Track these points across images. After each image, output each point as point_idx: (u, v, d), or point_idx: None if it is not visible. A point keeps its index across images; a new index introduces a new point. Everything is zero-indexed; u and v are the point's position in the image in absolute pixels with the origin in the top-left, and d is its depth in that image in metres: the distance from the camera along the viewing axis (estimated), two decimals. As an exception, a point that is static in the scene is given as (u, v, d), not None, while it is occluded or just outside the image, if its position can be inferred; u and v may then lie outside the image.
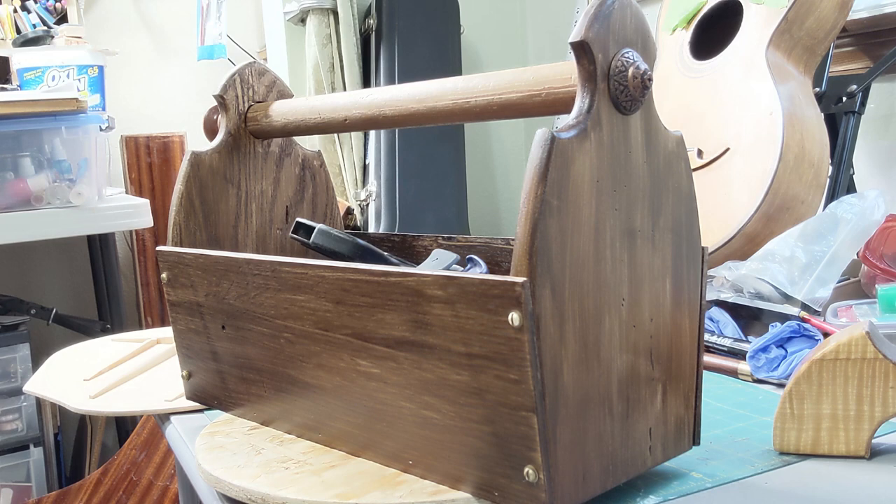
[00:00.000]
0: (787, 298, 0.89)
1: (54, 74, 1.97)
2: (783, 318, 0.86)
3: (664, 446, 0.58)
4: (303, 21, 1.91)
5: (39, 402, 1.91)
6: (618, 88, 0.52)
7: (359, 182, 1.85)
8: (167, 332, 1.06)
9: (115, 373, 0.94)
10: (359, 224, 1.82)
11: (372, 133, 1.84)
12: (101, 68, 2.05)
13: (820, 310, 0.89)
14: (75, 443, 2.23)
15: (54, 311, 1.97)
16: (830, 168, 1.11)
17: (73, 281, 2.40)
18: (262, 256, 0.65)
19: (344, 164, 1.86)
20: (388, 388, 0.57)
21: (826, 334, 0.79)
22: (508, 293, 0.48)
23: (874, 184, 1.32)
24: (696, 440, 0.61)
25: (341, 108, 0.70)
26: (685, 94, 1.16)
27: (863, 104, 1.19)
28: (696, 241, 0.59)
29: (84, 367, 0.97)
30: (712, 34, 1.19)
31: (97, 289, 2.17)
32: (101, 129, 1.72)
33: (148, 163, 2.30)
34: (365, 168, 1.86)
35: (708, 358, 0.82)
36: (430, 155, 1.84)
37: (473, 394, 0.52)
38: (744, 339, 0.85)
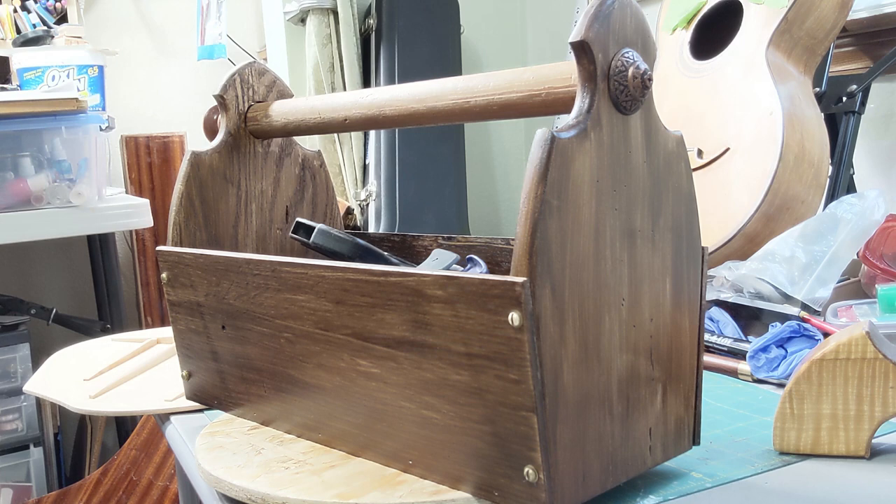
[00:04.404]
0: (787, 298, 0.89)
1: (54, 74, 1.97)
2: (783, 318, 0.86)
3: (664, 446, 0.58)
4: (303, 21, 1.91)
5: (39, 402, 1.91)
6: (618, 88, 0.52)
7: (359, 182, 1.85)
8: (167, 332, 1.06)
9: (115, 373, 0.94)
10: (359, 224, 1.82)
11: (372, 133, 1.85)
12: (101, 68, 2.05)
13: (820, 310, 0.89)
14: (75, 443, 2.23)
15: (54, 311, 1.97)
16: (830, 168, 1.11)
17: (73, 281, 2.40)
18: (262, 256, 0.65)
19: (344, 164, 1.86)
20: (388, 388, 0.57)
21: (826, 334, 0.79)
22: (508, 293, 0.48)
23: (874, 184, 1.32)
24: (696, 440, 0.61)
25: (341, 108, 0.70)
26: (685, 94, 1.16)
27: (863, 104, 1.19)
28: (696, 241, 0.59)
29: (84, 367, 0.97)
30: (712, 34, 1.19)
31: (97, 289, 2.17)
32: (101, 129, 1.72)
33: (148, 163, 2.30)
34: (365, 168, 1.86)
35: (708, 358, 0.82)
36: (430, 155, 1.84)
37: (473, 394, 0.52)
38: (744, 339, 0.85)
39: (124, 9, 2.45)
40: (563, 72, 0.54)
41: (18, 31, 2.12)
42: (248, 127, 0.79)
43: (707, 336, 0.86)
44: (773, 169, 1.00)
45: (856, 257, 0.96)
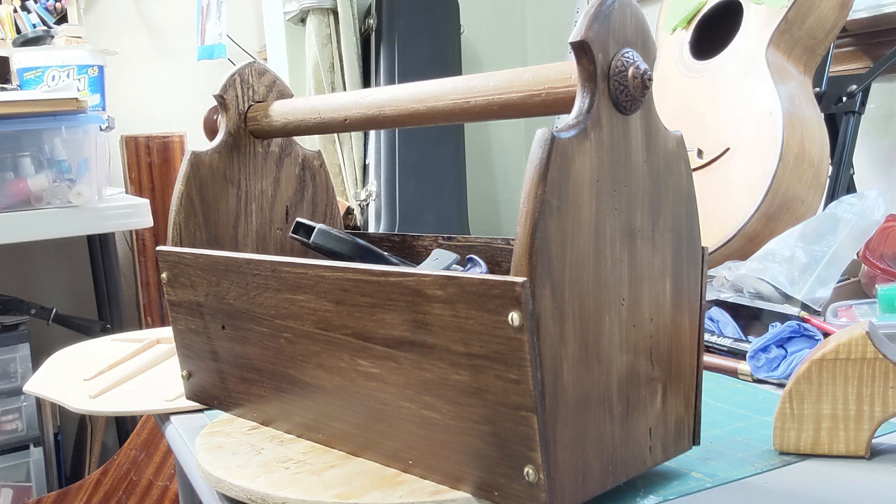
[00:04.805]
0: (787, 298, 0.89)
1: (54, 74, 1.97)
2: (783, 318, 0.86)
3: (664, 446, 0.58)
4: (303, 21, 1.91)
5: (39, 402, 1.91)
6: (618, 88, 0.52)
7: (359, 182, 1.85)
8: (167, 332, 1.06)
9: (115, 373, 0.94)
10: (359, 224, 1.82)
11: (372, 133, 1.85)
12: (101, 68, 2.05)
13: (820, 310, 0.89)
14: (75, 443, 2.23)
15: (54, 311, 1.97)
16: (830, 168, 1.11)
17: (73, 281, 2.40)
18: (262, 256, 0.65)
19: (344, 164, 1.86)
20: (388, 388, 0.57)
21: (826, 334, 0.79)
22: (508, 293, 0.48)
23: (874, 184, 1.32)
24: (696, 440, 0.61)
25: (341, 108, 0.70)
26: (685, 94, 1.16)
27: (863, 104, 1.19)
28: (696, 241, 0.59)
29: (84, 367, 0.97)
30: (712, 34, 1.19)
31: (97, 289, 2.17)
32: (101, 129, 1.72)
33: (148, 163, 2.30)
34: (365, 168, 1.86)
35: (708, 358, 0.82)
36: (430, 155, 1.84)
37: (473, 394, 0.52)
38: (744, 339, 0.85)
39: (124, 9, 2.45)
40: (563, 72, 0.54)
41: (18, 31, 2.12)
42: (248, 127, 0.79)
43: (707, 336, 0.86)
44: (773, 169, 1.00)
45: (856, 257, 0.96)
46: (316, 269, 0.60)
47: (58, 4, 2.23)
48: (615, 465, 0.54)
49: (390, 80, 1.83)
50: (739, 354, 0.82)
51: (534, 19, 2.14)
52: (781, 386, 0.76)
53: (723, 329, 0.88)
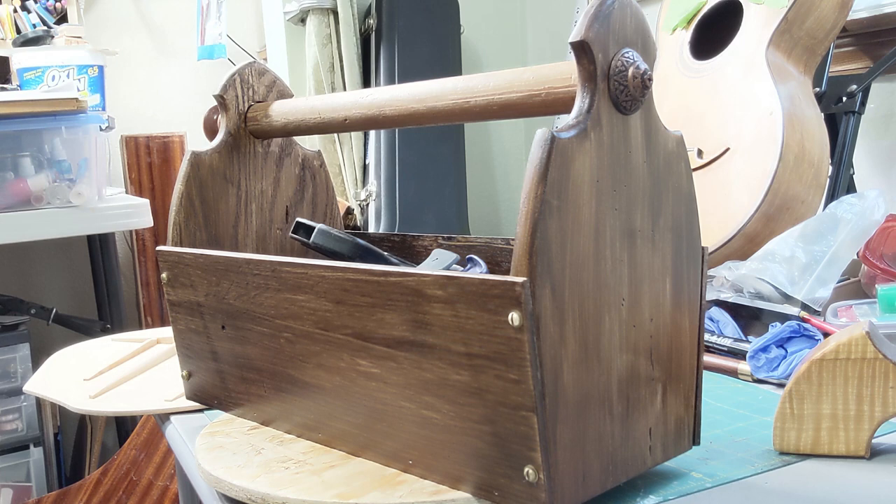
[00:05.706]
0: (787, 298, 0.89)
1: (54, 74, 1.97)
2: (783, 318, 0.86)
3: (664, 446, 0.58)
4: (303, 21, 1.91)
5: (39, 402, 1.91)
6: (618, 88, 0.52)
7: (359, 182, 1.85)
8: (167, 332, 1.06)
9: (115, 373, 0.94)
10: (359, 224, 1.82)
11: (372, 133, 1.85)
12: (101, 68, 2.05)
13: (820, 310, 0.89)
14: (75, 443, 2.23)
15: (54, 311, 1.97)
16: (830, 168, 1.11)
17: (73, 281, 2.40)
18: (262, 256, 0.65)
19: (344, 164, 1.86)
20: (388, 388, 0.57)
21: (826, 334, 0.79)
22: (508, 293, 0.48)
23: (874, 184, 1.32)
24: (696, 440, 0.61)
25: (341, 108, 0.70)
26: (685, 94, 1.16)
27: (863, 104, 1.19)
28: (696, 241, 0.59)
29: (84, 367, 0.97)
30: (712, 34, 1.19)
31: (97, 289, 2.17)
32: (101, 129, 1.72)
33: (148, 163, 2.30)
34: (365, 168, 1.86)
35: (708, 358, 0.82)
36: (430, 155, 1.84)
37: (473, 394, 0.52)
38: (744, 339, 0.85)
39: (124, 9, 2.45)
40: (563, 72, 0.54)
41: (18, 31, 2.12)
42: (248, 127, 0.79)
43: (707, 336, 0.86)
44: (773, 169, 1.00)
45: (856, 257, 0.96)
46: (316, 269, 0.60)
47: (58, 4, 2.23)
48: (615, 465, 0.54)
49: (390, 80, 1.83)
50: (739, 354, 0.82)
51: (534, 19, 2.14)
52: (781, 386, 0.76)
53: (723, 329, 0.88)
